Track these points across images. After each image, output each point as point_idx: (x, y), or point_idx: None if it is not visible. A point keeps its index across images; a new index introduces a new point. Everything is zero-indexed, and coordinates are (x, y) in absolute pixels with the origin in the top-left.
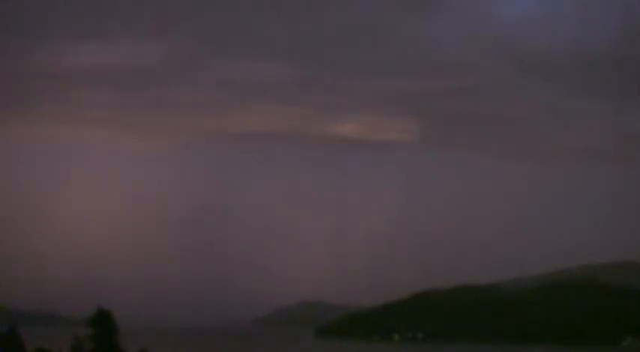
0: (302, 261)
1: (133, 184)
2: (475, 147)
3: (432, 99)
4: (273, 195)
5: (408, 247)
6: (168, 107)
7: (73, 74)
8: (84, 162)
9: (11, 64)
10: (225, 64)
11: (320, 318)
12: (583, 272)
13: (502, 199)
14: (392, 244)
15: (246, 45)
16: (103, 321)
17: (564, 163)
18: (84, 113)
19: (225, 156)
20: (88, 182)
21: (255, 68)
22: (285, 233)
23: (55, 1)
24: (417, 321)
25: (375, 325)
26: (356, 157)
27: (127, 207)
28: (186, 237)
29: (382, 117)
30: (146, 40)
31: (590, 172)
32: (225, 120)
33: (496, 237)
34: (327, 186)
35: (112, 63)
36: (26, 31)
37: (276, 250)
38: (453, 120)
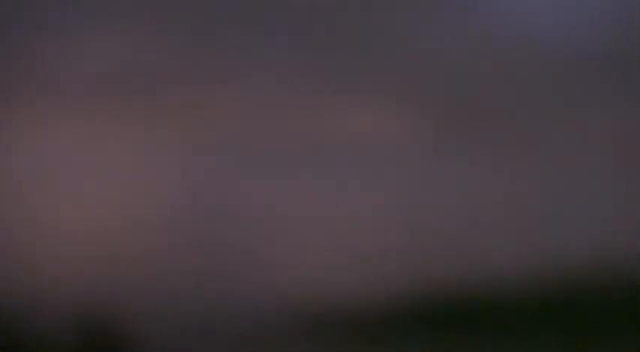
0: (302, 260)
1: (133, 183)
2: (476, 147)
3: (433, 99)
4: (273, 195)
5: (409, 247)
6: (168, 106)
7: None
8: (83, 162)
9: (10, 63)
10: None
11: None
12: (583, 272)
13: (502, 199)
14: (393, 244)
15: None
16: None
17: (565, 163)
18: (84, 111)
19: (225, 156)
20: (88, 181)
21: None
22: (286, 232)
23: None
24: (417, 321)
25: (375, 325)
26: (356, 157)
27: (128, 206)
28: (185, 235)
29: (382, 116)
30: (145, 39)
31: (591, 172)
32: (224, 119)
33: (496, 236)
34: (327, 186)
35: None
36: (25, 30)
37: (277, 249)
38: (453, 119)
